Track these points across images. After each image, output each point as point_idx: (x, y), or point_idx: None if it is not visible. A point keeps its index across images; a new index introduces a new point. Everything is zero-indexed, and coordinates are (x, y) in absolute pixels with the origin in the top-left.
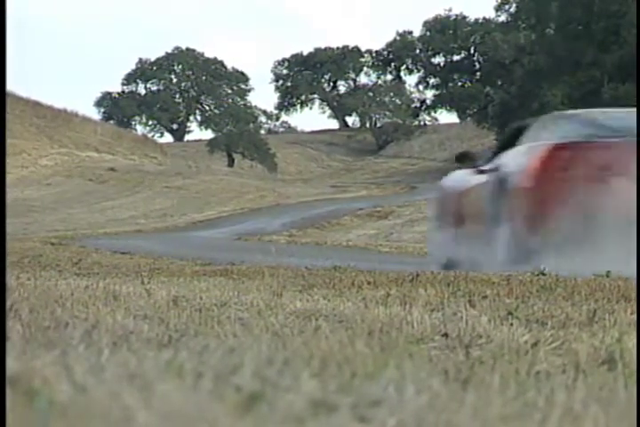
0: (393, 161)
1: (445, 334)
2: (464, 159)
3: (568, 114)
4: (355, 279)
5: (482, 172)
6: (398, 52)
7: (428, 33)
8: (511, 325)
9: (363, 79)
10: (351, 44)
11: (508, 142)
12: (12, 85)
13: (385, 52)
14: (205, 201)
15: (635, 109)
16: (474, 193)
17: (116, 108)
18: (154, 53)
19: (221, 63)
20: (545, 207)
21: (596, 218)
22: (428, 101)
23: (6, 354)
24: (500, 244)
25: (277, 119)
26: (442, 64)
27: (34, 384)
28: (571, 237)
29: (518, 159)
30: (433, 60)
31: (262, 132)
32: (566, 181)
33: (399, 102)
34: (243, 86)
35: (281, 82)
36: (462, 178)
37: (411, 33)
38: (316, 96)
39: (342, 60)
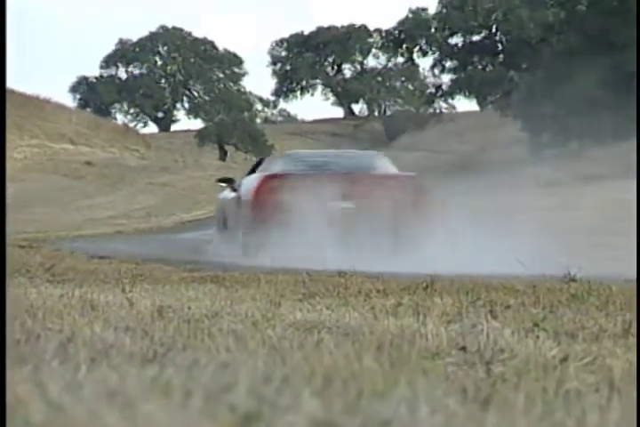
0: (405, 154)
1: (464, 348)
2: (226, 181)
3: (287, 153)
4: (362, 287)
5: (234, 190)
6: (411, 32)
7: (445, 10)
8: (537, 338)
9: (371, 62)
10: (358, 23)
11: (252, 171)
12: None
13: (396, 32)
14: (194, 199)
15: (338, 151)
16: (229, 205)
17: (93, 94)
18: (137, 34)
19: (212, 44)
20: (260, 216)
21: (294, 223)
22: (445, 87)
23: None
24: (237, 241)
25: (275, 107)
26: (460, 45)
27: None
28: (277, 236)
29: (249, 183)
30: (450, 40)
31: (258, 121)
32: (274, 199)
33: (412, 88)
34: (236, 70)
35: (279, 65)
36: (227, 194)
37: (425, 10)
38: (318, 81)
39: (348, 40)
